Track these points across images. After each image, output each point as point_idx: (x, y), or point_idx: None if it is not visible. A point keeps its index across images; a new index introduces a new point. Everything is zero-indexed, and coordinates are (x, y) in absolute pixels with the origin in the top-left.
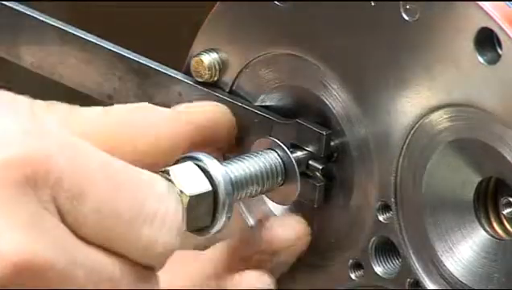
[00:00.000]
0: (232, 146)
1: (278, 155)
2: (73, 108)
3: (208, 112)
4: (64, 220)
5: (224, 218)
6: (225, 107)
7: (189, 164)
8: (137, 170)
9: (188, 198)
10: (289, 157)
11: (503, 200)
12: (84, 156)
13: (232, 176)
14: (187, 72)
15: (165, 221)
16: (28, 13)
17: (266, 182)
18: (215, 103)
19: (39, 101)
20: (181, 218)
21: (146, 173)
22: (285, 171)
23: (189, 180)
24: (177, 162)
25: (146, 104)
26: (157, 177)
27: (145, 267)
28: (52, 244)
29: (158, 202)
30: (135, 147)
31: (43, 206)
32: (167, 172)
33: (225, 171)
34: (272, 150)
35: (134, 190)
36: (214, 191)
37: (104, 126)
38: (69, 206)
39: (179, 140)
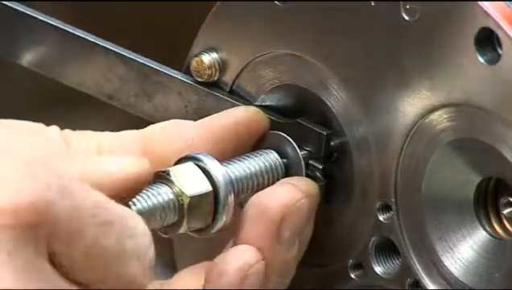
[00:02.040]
0: None
1: (285, 151)
2: (105, 132)
3: (235, 114)
4: (55, 264)
5: (224, 218)
6: (256, 108)
7: (189, 165)
8: (121, 211)
9: (189, 199)
10: (297, 153)
11: (503, 200)
12: (79, 202)
13: (232, 176)
14: (187, 72)
15: (141, 262)
16: (28, 13)
17: (266, 182)
18: (245, 107)
19: (68, 130)
20: (152, 255)
21: (127, 213)
22: (290, 168)
23: (190, 180)
24: (178, 162)
25: (176, 120)
26: (136, 217)
27: None
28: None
29: (137, 243)
30: (167, 153)
31: (37, 251)
32: (168, 173)
33: (225, 172)
34: (279, 146)
35: (119, 233)
36: (214, 191)
37: (137, 140)
38: (62, 250)
39: (203, 144)
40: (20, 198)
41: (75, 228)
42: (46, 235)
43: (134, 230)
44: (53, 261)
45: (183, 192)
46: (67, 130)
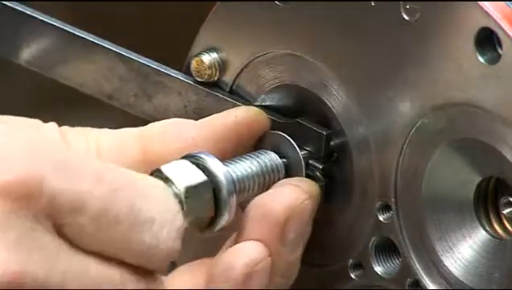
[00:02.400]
0: None
1: (285, 151)
2: (104, 130)
3: (236, 114)
4: (62, 234)
5: (226, 217)
6: (257, 109)
7: (182, 161)
8: (133, 175)
9: (184, 189)
10: (297, 153)
11: (503, 200)
12: (77, 171)
13: (233, 176)
14: (187, 72)
15: (164, 225)
16: (28, 13)
17: (266, 182)
18: (246, 107)
19: (66, 127)
20: (180, 220)
21: (144, 178)
22: (290, 168)
23: (183, 174)
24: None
25: (177, 119)
26: (154, 181)
27: (147, 271)
28: (45, 260)
29: (155, 207)
30: (167, 152)
31: (37, 224)
32: (159, 170)
33: (226, 171)
34: (279, 146)
35: (131, 197)
36: (216, 190)
37: (136, 138)
38: (66, 220)
39: (203, 143)
40: (9, 174)
41: (75, 198)
42: (45, 208)
43: (149, 198)
44: (63, 234)
45: (178, 187)
46: (65, 126)
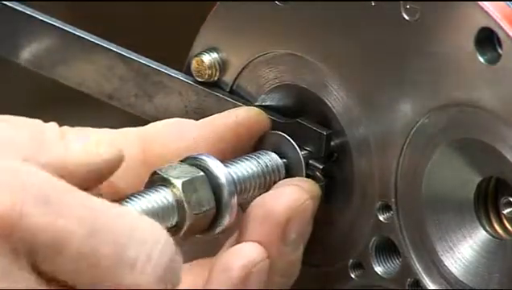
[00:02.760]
0: None
1: (285, 151)
2: (104, 129)
3: (236, 114)
4: (39, 270)
5: (227, 218)
6: (258, 109)
7: (181, 164)
8: (119, 212)
9: (181, 185)
10: (297, 153)
11: (503, 200)
12: (60, 207)
13: (234, 177)
14: (188, 72)
15: (147, 265)
16: (28, 13)
17: (267, 182)
18: (247, 107)
19: (66, 127)
20: (167, 260)
21: (130, 214)
22: (290, 169)
23: (181, 173)
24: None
25: (178, 119)
26: (140, 219)
27: None
28: None
29: (139, 247)
30: (167, 152)
31: (16, 259)
32: (156, 173)
33: (227, 172)
34: (279, 146)
35: (114, 236)
36: (218, 192)
37: (136, 137)
38: (45, 257)
39: (204, 143)
40: None
41: (55, 236)
42: (23, 244)
43: (133, 238)
44: (41, 269)
45: (176, 184)
46: (65, 126)
